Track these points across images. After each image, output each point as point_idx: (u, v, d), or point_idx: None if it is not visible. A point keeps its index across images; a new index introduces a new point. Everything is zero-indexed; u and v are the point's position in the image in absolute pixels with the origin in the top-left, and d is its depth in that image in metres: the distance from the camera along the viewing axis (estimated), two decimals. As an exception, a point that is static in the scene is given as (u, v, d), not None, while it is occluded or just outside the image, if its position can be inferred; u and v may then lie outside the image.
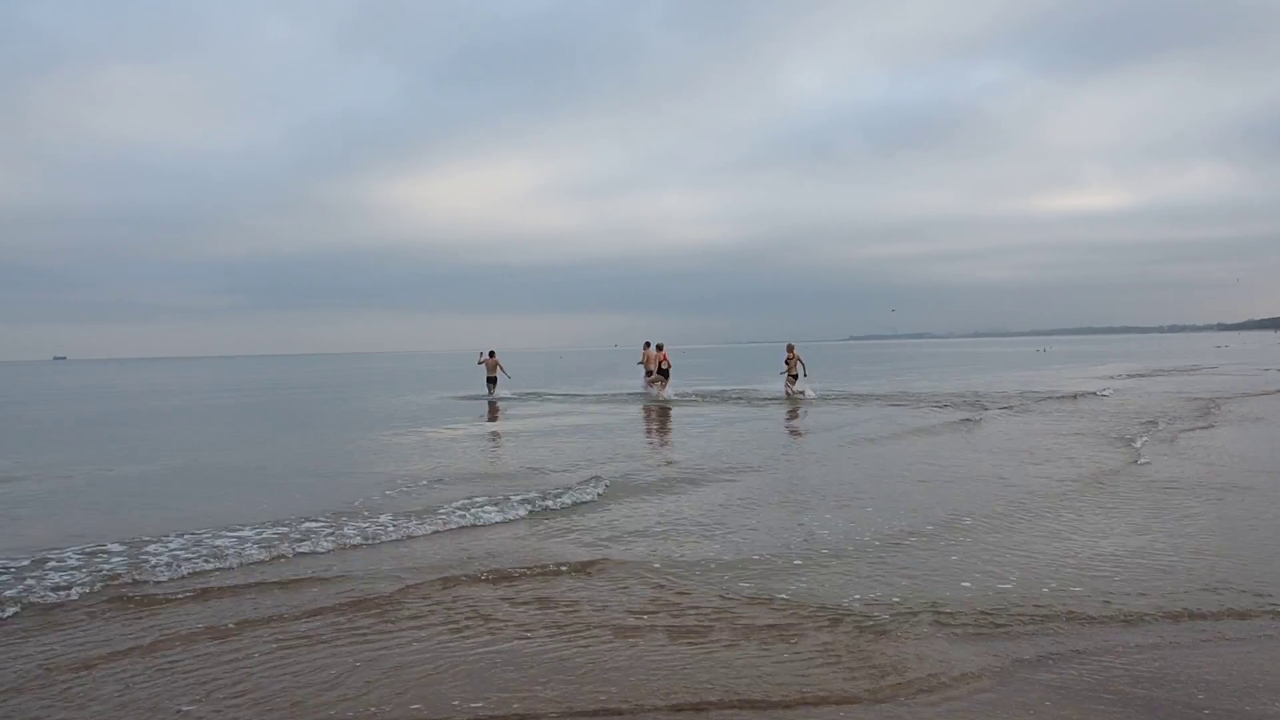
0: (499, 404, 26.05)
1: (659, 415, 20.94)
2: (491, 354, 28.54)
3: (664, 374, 26.45)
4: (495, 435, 17.22)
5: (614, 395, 28.39)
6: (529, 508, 9.15)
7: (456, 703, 4.39)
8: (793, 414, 20.66)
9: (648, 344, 27.33)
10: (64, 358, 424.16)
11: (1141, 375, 35.22)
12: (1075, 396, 23.00)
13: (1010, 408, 20.10)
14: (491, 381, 28.28)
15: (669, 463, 12.60)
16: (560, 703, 4.35)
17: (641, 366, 27.63)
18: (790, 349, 26.26)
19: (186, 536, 7.95)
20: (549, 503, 9.39)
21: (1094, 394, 23.91)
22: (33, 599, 6.12)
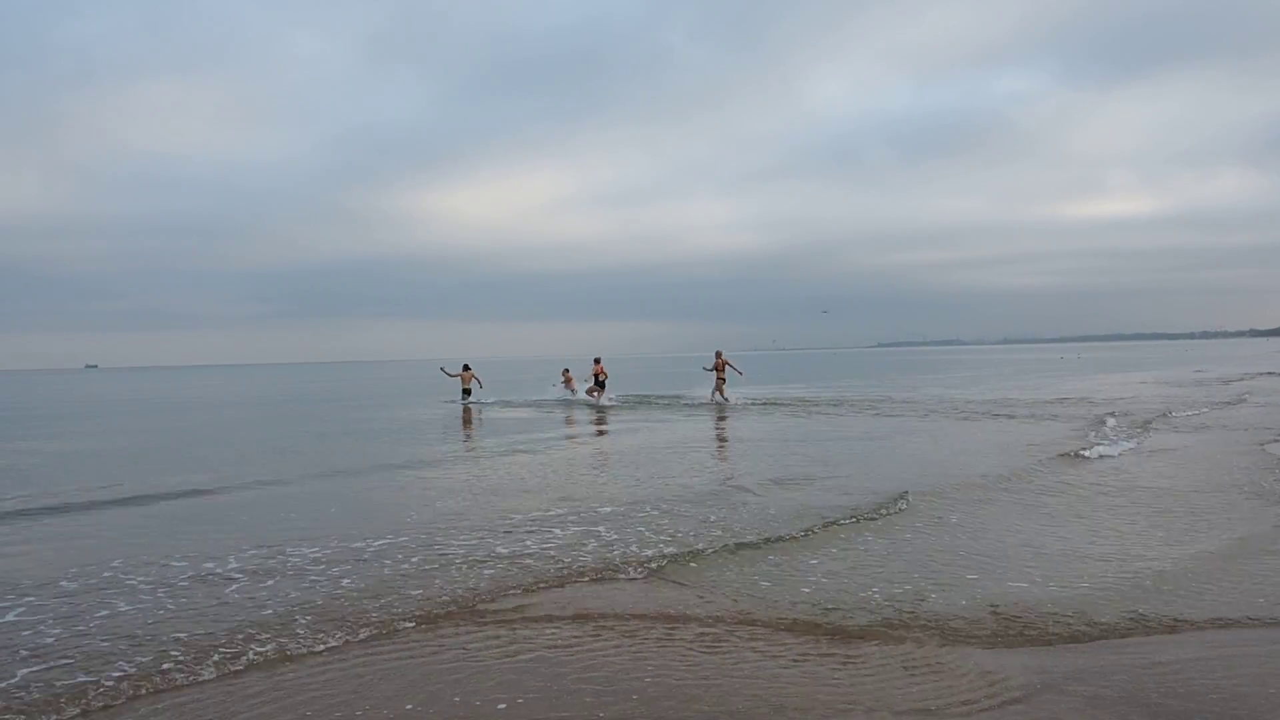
0: (473, 408, 28.72)
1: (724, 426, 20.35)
2: (466, 367, 32.03)
3: (600, 385, 29.10)
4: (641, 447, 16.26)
5: (653, 404, 28.71)
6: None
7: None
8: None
9: (599, 359, 29.67)
10: (95, 366, 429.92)
11: (1225, 382, 34.29)
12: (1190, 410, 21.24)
13: (1137, 423, 18.16)
14: (466, 393, 31.22)
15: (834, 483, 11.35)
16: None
17: (594, 379, 29.46)
18: (719, 355, 27.63)
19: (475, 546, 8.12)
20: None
21: (1199, 407, 21.87)
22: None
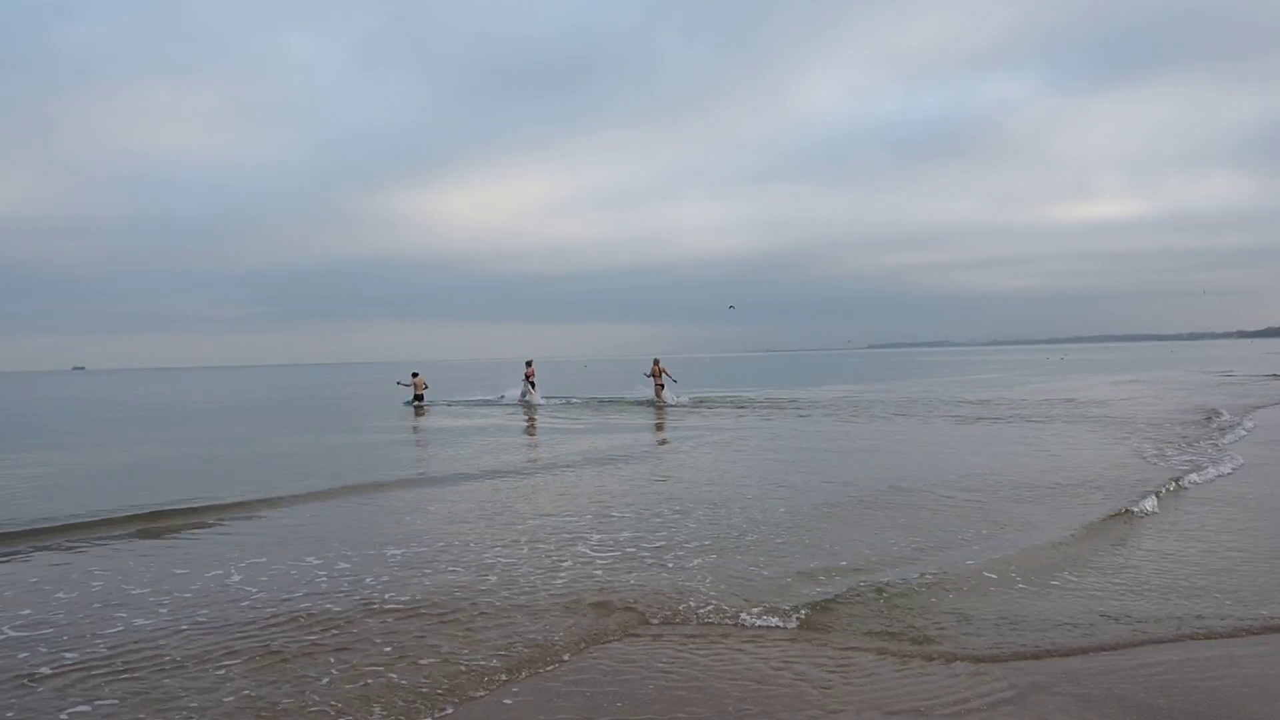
0: (423, 409, 29.43)
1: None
2: (416, 374, 32.20)
3: (531, 385, 31.16)
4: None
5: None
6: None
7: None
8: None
9: (529, 361, 32.03)
10: (83, 368, 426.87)
11: (1263, 380, 33.90)
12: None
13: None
14: (419, 398, 31.20)
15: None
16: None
17: (525, 380, 31.54)
18: (656, 362, 29.80)
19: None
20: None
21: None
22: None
